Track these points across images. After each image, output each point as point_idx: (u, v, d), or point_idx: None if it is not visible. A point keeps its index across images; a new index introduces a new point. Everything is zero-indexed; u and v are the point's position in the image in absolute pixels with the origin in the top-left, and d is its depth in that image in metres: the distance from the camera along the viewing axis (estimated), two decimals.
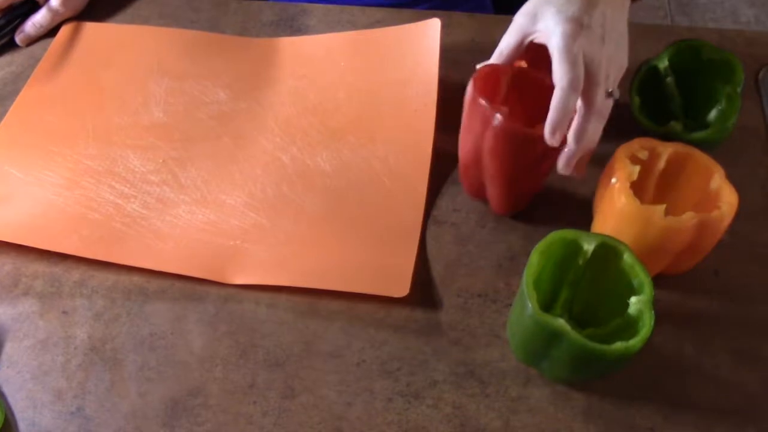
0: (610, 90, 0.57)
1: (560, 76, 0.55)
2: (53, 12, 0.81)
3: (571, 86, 0.54)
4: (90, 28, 0.82)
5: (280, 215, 0.67)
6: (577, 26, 0.55)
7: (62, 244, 0.65)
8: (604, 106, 0.58)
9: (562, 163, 0.58)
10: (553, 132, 0.55)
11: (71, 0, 0.82)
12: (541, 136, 0.56)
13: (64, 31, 0.82)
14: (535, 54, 0.69)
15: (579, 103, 0.56)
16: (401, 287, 0.62)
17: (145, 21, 0.83)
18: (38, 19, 0.82)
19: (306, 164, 0.70)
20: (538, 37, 0.58)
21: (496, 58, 0.61)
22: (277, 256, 0.64)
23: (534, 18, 0.58)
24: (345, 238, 0.65)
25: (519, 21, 0.59)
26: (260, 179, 0.69)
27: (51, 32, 0.82)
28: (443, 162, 0.70)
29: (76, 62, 0.79)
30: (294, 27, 0.82)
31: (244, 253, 0.65)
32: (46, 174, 0.70)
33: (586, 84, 0.55)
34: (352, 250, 0.64)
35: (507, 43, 0.60)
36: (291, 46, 0.79)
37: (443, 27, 0.76)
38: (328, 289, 0.62)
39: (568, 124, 0.56)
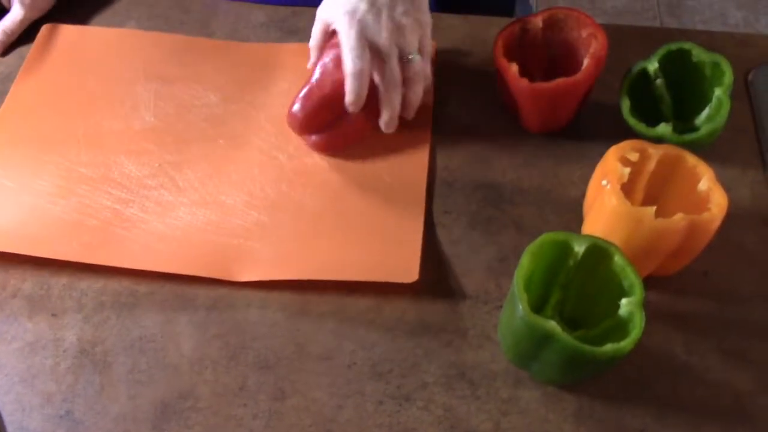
0: (410, 56, 0.66)
1: (345, 67, 0.64)
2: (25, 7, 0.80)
3: (354, 75, 0.63)
4: (69, 31, 0.80)
5: (282, 212, 0.67)
6: (352, 18, 0.63)
7: (63, 251, 0.64)
8: (412, 71, 0.66)
9: (383, 127, 0.68)
10: (353, 108, 0.65)
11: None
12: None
13: (43, 33, 0.80)
14: (529, 54, 0.70)
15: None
16: (410, 272, 0.62)
17: (136, 22, 0.82)
18: (8, 24, 0.80)
19: (303, 162, 0.70)
20: (335, 27, 0.66)
21: (313, 51, 0.70)
22: (282, 251, 0.65)
23: (328, 10, 0.66)
24: (349, 231, 0.66)
25: (319, 15, 0.68)
26: (258, 179, 0.69)
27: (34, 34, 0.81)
28: (434, 163, 0.70)
29: (58, 67, 0.77)
30: (285, 29, 0.82)
31: (249, 250, 0.65)
32: (38, 183, 0.68)
33: (376, 63, 0.65)
34: (357, 242, 0.65)
35: (314, 36, 0.69)
36: (282, 51, 0.79)
37: (435, 29, 0.76)
38: (338, 279, 0.62)
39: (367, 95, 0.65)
